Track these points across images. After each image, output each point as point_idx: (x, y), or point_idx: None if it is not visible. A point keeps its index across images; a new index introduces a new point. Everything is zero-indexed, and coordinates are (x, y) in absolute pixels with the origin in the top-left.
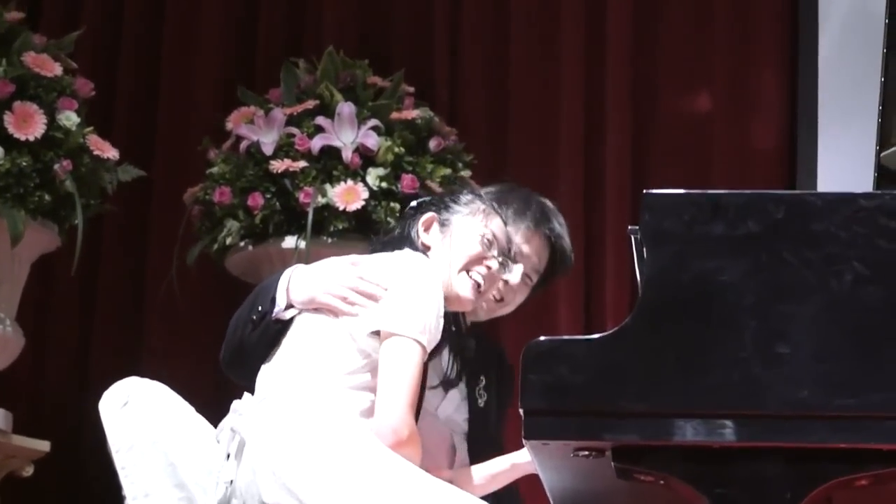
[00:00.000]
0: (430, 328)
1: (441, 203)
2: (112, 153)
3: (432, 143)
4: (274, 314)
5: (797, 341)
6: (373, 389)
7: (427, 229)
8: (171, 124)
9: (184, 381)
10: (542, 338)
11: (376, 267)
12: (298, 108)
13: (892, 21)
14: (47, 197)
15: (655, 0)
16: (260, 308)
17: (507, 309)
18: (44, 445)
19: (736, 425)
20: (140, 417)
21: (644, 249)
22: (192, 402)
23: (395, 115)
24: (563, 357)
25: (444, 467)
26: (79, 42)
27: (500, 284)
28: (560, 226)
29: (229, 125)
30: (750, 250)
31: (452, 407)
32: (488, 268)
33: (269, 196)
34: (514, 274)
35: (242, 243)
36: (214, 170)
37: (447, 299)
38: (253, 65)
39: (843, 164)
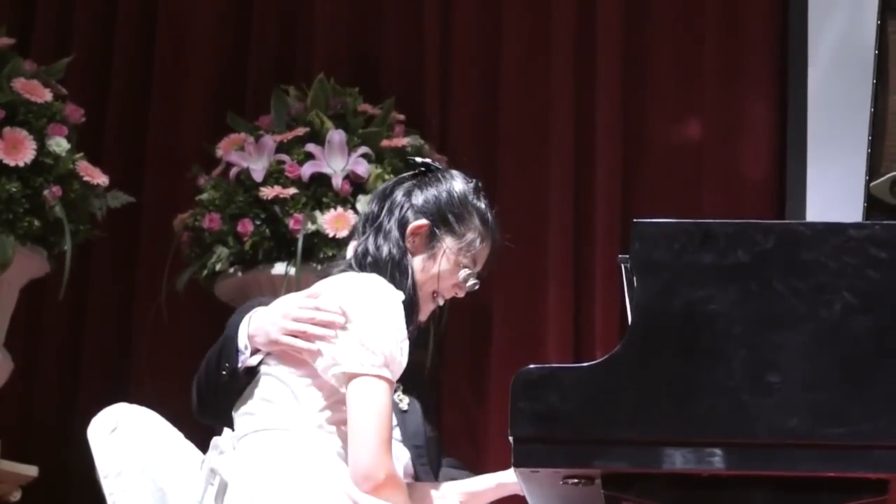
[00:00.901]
0: (393, 358)
1: (441, 212)
2: (102, 179)
3: None
4: (241, 363)
5: (786, 370)
6: (343, 424)
7: (415, 236)
8: (160, 151)
9: (173, 408)
10: (531, 366)
11: (333, 295)
12: (289, 135)
13: (882, 52)
14: (36, 222)
15: (645, 28)
16: (227, 364)
17: None
18: (31, 471)
19: (725, 453)
20: (129, 444)
21: (634, 278)
22: (180, 429)
23: (385, 142)
24: (553, 385)
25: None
26: (69, 68)
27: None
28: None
29: (219, 152)
30: (739, 279)
31: None
32: (456, 293)
33: (258, 223)
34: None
35: (232, 269)
36: (204, 196)
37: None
38: (243, 91)
39: (832, 194)
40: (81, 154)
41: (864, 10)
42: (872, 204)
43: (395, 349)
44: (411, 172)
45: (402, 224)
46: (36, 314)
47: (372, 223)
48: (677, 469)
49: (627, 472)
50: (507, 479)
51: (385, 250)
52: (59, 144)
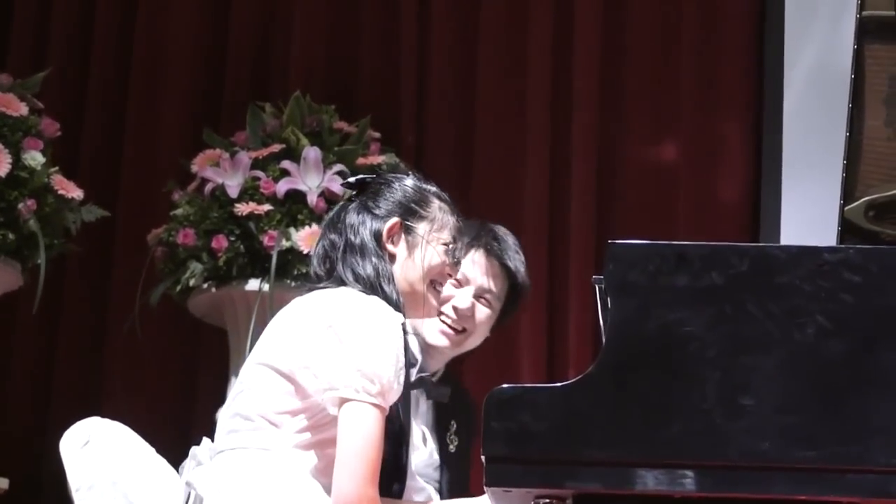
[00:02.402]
0: (391, 387)
1: (405, 206)
2: (76, 193)
3: None
4: None
5: (759, 393)
6: (322, 445)
7: (392, 236)
8: (136, 165)
9: (145, 422)
10: (504, 385)
11: (328, 313)
12: (264, 152)
13: (858, 75)
14: (11, 236)
15: (622, 50)
16: None
17: (473, 340)
18: (2, 483)
19: (697, 475)
20: (100, 457)
21: (608, 299)
22: (152, 443)
23: (360, 160)
24: (526, 405)
25: None
26: (45, 82)
27: (452, 313)
28: (511, 247)
29: (194, 167)
30: (714, 302)
31: (421, 457)
32: (449, 275)
33: (233, 239)
34: (464, 298)
35: (206, 285)
36: (179, 211)
37: (413, 310)
38: (219, 107)
39: (806, 218)
40: (56, 168)
41: (841, 34)
42: (847, 228)
43: (394, 378)
44: (349, 194)
45: (377, 235)
46: (9, 327)
47: (338, 250)
48: (649, 490)
49: (599, 493)
50: None
51: (369, 267)
52: (35, 158)
